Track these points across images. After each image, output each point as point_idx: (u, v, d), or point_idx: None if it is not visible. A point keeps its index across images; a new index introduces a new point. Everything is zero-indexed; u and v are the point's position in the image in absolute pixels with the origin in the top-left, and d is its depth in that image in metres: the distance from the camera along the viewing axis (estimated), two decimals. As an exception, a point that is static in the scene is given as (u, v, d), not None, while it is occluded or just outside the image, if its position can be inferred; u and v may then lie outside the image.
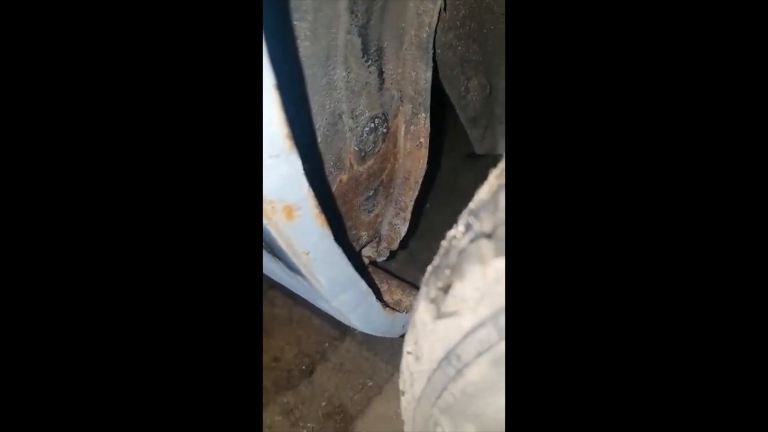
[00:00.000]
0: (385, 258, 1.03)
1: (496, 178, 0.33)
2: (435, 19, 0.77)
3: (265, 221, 0.48)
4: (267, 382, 1.31)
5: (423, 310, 0.40)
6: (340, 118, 0.75)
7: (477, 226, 0.33)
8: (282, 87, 0.40)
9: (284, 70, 0.58)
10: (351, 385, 1.27)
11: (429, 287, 0.40)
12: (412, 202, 0.96)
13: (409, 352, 0.48)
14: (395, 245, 1.00)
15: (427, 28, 0.77)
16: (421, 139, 0.89)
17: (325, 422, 1.21)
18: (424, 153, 0.90)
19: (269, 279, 1.50)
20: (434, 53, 0.84)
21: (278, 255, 0.59)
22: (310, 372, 1.31)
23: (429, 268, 0.44)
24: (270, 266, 0.70)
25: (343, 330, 1.38)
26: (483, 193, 0.34)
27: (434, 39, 0.80)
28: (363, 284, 0.71)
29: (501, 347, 0.32)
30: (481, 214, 0.33)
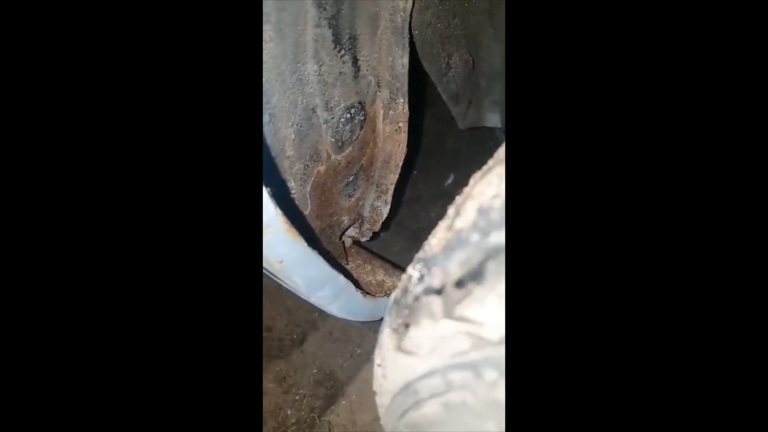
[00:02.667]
0: (368, 238, 1.04)
1: (445, 230, 0.34)
2: (410, 2, 0.73)
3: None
4: (260, 351, 1.36)
5: (387, 337, 0.42)
6: (314, 112, 0.73)
7: (428, 280, 0.34)
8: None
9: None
10: (341, 352, 1.32)
11: (392, 317, 0.41)
12: (393, 185, 0.96)
13: (378, 365, 0.51)
14: (377, 226, 1.01)
15: (402, 13, 0.74)
16: (400, 124, 0.88)
17: (316, 388, 1.27)
18: (403, 137, 0.89)
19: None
20: (411, 35, 0.81)
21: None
22: (301, 341, 1.36)
23: (392, 296, 0.45)
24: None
25: (332, 299, 1.42)
26: (434, 245, 0.35)
27: (410, 22, 0.77)
28: (341, 278, 0.72)
29: (449, 396, 0.33)
30: (432, 269, 0.33)
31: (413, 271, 0.37)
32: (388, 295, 0.91)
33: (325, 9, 0.65)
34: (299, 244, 0.58)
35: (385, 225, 1.06)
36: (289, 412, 1.24)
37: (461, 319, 0.30)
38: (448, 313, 0.31)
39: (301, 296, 0.78)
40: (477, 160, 0.43)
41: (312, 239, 0.61)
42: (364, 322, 1.36)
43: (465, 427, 0.34)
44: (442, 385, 0.33)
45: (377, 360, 0.50)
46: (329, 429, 1.20)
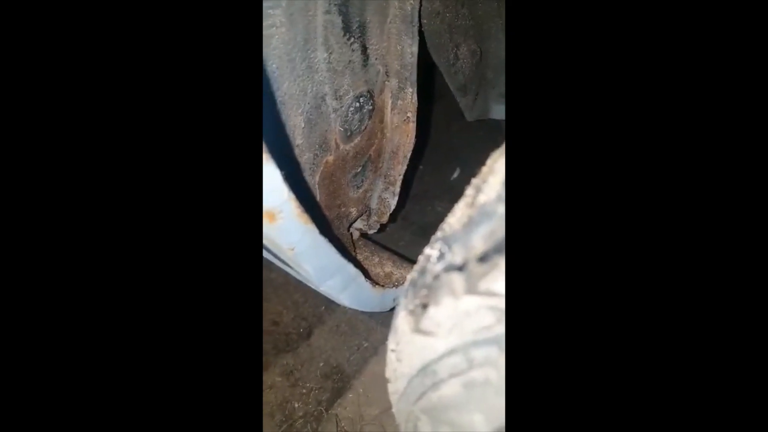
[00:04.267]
0: (375, 231, 1.04)
1: (466, 207, 0.33)
2: (419, -9, 0.73)
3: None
4: (267, 345, 1.35)
5: (403, 319, 0.41)
6: (324, 100, 0.73)
7: (449, 257, 0.33)
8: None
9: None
10: (347, 346, 1.32)
11: (408, 299, 0.41)
12: (401, 176, 0.96)
13: (392, 350, 0.50)
14: (385, 218, 1.00)
15: (411, 1, 0.73)
16: (409, 114, 0.87)
17: (324, 382, 1.27)
18: (412, 127, 0.89)
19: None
20: (420, 24, 0.80)
21: (267, 249, 0.59)
22: (308, 334, 1.36)
23: (408, 277, 0.45)
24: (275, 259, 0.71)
25: (338, 293, 1.42)
26: (454, 222, 0.34)
27: (420, 10, 0.76)
28: (351, 267, 0.72)
29: (471, 374, 0.33)
30: (453, 246, 0.33)
31: (432, 250, 0.37)
32: (396, 286, 0.91)
33: (335, -5, 0.64)
34: (311, 231, 0.58)
35: (392, 218, 1.05)
36: (296, 405, 1.24)
37: (485, 293, 0.30)
38: (471, 289, 0.31)
39: (311, 285, 0.78)
40: (483, 155, 0.42)
41: (323, 227, 0.60)
42: (371, 315, 1.36)
43: (486, 405, 0.34)
44: (463, 363, 0.33)
45: (391, 345, 0.49)
46: (336, 422, 1.20)
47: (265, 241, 0.53)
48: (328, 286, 0.70)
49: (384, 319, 1.34)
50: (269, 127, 0.47)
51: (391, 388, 0.60)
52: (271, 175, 0.44)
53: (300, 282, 1.44)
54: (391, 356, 0.50)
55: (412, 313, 0.40)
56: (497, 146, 0.40)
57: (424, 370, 0.39)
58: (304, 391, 1.26)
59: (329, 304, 1.41)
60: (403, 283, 0.92)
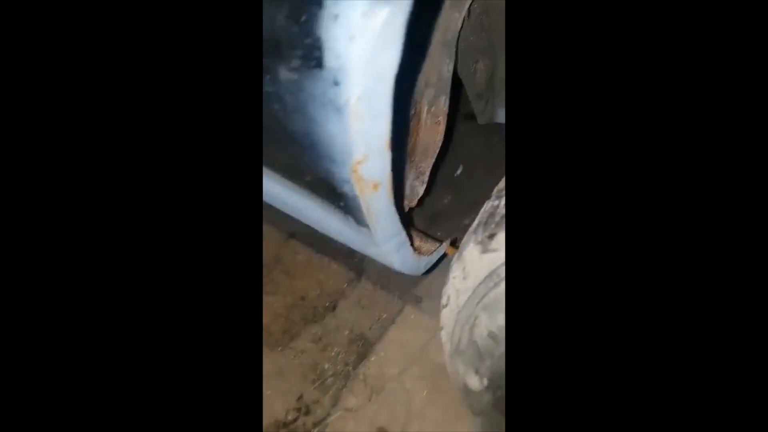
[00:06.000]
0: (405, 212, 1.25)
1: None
2: (459, 24, 0.95)
3: (358, 192, 0.69)
4: (296, 317, 1.54)
5: (472, 248, 0.63)
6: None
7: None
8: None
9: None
10: (369, 317, 1.52)
11: (477, 234, 0.62)
12: (429, 168, 1.17)
13: (455, 276, 0.71)
14: (414, 203, 1.22)
15: (452, 32, 0.95)
16: (440, 118, 1.09)
17: (349, 347, 1.47)
18: (441, 128, 1.11)
19: (288, 228, 1.70)
20: (456, 48, 1.02)
21: (353, 213, 0.80)
22: (334, 307, 1.55)
23: (474, 223, 0.67)
24: (332, 224, 0.90)
25: (358, 272, 1.62)
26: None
27: (458, 38, 0.98)
28: (404, 233, 0.93)
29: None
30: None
31: (498, 201, 0.58)
32: (427, 255, 1.12)
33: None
34: (391, 202, 0.78)
35: (419, 203, 1.27)
36: (326, 366, 1.44)
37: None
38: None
39: (369, 249, 0.97)
40: (483, 154, 0.61)
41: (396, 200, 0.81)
42: (389, 290, 1.56)
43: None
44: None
45: (456, 271, 0.70)
46: (363, 379, 1.40)
47: (363, 204, 0.73)
48: (388, 246, 0.90)
49: (400, 294, 1.55)
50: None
51: (446, 311, 0.81)
52: (386, 158, 0.65)
53: (324, 260, 1.63)
54: (454, 281, 0.71)
55: (480, 243, 0.61)
56: (496, 147, 0.60)
57: (490, 275, 0.59)
58: (332, 354, 1.46)
59: (350, 282, 1.61)
60: (429, 254, 1.13)
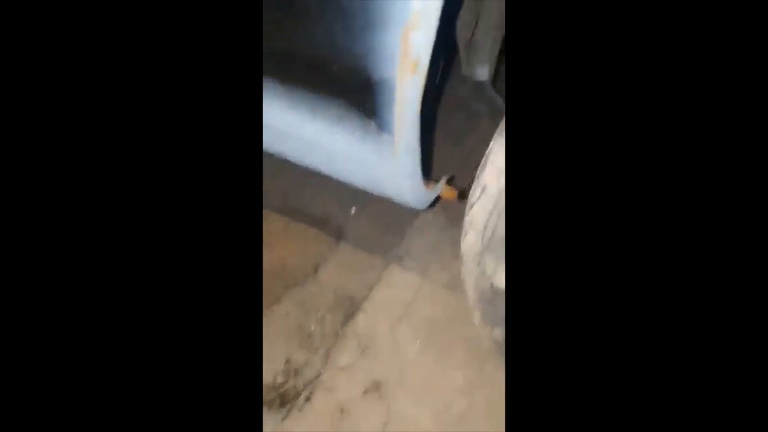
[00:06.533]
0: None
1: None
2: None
3: (398, 72, 0.69)
4: (277, 284, 1.48)
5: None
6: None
7: None
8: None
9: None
10: (353, 278, 1.49)
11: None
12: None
13: (473, 204, 0.74)
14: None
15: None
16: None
17: (335, 308, 1.43)
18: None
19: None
20: None
21: (379, 111, 0.78)
22: (315, 271, 1.51)
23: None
24: (342, 142, 0.88)
25: (337, 237, 1.59)
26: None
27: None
28: (419, 155, 0.93)
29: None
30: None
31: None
32: (430, 189, 1.11)
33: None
34: (419, 98, 0.78)
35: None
36: (312, 327, 1.38)
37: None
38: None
39: (377, 172, 0.95)
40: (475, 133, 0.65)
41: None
42: (369, 253, 1.54)
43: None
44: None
45: (473, 199, 0.72)
46: (353, 337, 1.36)
47: (398, 91, 0.73)
48: (405, 162, 0.90)
49: (381, 256, 1.53)
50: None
51: (469, 238, 0.82)
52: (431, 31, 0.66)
53: (300, 227, 1.58)
54: (478, 203, 0.73)
55: (501, 172, 0.63)
56: (485, 128, 0.64)
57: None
58: (318, 316, 1.41)
59: (330, 246, 1.57)
60: (432, 188, 1.12)
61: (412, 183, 0.96)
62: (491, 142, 0.75)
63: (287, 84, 0.82)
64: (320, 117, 0.84)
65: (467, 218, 0.84)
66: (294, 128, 0.89)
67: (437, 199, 1.22)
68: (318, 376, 1.29)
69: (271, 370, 1.30)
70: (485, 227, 0.79)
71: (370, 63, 0.70)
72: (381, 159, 0.90)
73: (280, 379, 1.29)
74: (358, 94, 0.77)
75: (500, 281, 0.81)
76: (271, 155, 1.65)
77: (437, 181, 1.11)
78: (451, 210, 1.62)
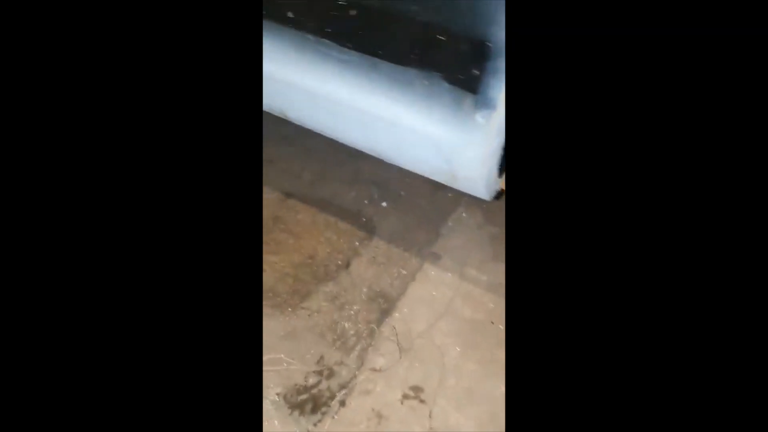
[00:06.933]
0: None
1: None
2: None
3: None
4: (306, 275, 1.39)
5: None
6: None
7: None
8: None
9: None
10: (387, 273, 1.41)
11: None
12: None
13: None
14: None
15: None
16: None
17: (370, 304, 1.34)
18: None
19: (284, 188, 1.54)
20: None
21: (483, 81, 0.70)
22: (347, 265, 1.42)
23: None
24: (429, 120, 0.79)
25: (369, 231, 1.50)
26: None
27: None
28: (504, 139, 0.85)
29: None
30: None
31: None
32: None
33: None
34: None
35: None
36: (346, 325, 1.29)
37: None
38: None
39: (475, 139, 0.84)
40: None
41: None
42: (404, 249, 1.46)
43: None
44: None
45: None
46: (389, 337, 1.28)
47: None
48: (491, 146, 0.82)
49: (417, 251, 1.45)
50: None
51: None
52: None
53: (330, 219, 1.49)
54: None
55: None
56: None
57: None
58: (351, 312, 1.32)
59: (362, 240, 1.48)
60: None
61: (490, 170, 0.88)
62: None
63: (371, 55, 0.73)
64: (405, 94, 0.75)
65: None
66: (370, 106, 0.80)
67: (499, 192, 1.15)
68: (353, 378, 1.20)
69: (302, 371, 1.20)
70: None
71: (484, 28, 0.62)
72: (467, 141, 0.82)
73: (312, 380, 1.19)
74: (461, 66, 0.68)
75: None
76: (299, 141, 1.53)
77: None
78: (486, 207, 1.55)
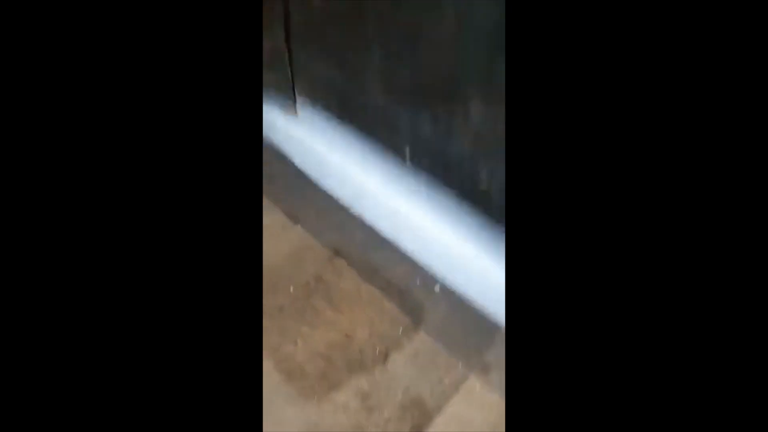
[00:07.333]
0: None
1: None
2: None
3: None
4: (339, 360, 1.25)
5: None
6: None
7: None
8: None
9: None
10: (428, 378, 1.26)
11: None
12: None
13: None
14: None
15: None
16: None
17: (403, 413, 1.19)
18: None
19: (331, 243, 1.41)
20: None
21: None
22: (384, 358, 1.27)
23: None
24: None
25: (416, 319, 1.35)
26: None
27: None
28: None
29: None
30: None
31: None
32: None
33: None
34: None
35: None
36: (372, 433, 1.15)
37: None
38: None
39: None
40: None
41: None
42: (450, 350, 1.30)
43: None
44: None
45: None
46: (419, 460, 1.13)
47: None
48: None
49: (464, 355, 1.30)
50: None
51: None
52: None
53: (375, 293, 1.35)
54: None
55: None
56: None
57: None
58: (381, 419, 1.18)
59: (406, 329, 1.33)
60: None
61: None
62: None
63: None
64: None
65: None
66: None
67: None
68: (369, 502, 1.06)
69: (317, 481, 1.07)
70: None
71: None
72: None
73: (324, 495, 1.06)
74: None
75: None
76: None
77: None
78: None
